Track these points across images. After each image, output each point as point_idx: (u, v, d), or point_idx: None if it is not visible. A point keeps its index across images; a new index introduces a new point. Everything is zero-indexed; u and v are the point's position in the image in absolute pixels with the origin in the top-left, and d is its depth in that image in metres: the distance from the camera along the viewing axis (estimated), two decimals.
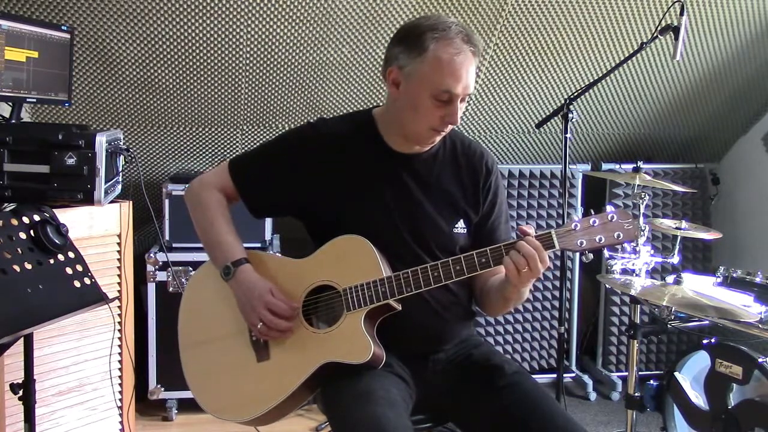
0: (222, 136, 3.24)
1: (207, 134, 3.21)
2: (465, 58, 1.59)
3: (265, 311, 1.65)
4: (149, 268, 3.03)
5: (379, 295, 1.62)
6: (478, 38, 1.62)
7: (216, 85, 3.00)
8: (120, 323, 2.47)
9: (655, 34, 2.57)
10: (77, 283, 1.83)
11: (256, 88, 3.05)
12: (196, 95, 3.02)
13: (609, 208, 1.57)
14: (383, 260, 1.65)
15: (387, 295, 1.62)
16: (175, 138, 3.20)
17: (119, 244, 2.49)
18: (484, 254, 1.58)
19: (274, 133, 3.25)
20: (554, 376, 3.03)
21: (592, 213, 1.58)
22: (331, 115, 1.93)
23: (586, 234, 1.56)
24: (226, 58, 2.90)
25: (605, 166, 3.58)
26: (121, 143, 2.51)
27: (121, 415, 2.51)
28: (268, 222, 3.17)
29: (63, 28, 2.44)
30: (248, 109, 3.13)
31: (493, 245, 1.62)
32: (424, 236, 1.72)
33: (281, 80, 3.03)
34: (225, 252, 1.74)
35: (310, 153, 1.74)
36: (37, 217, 1.83)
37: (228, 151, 3.31)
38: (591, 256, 1.60)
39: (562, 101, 2.63)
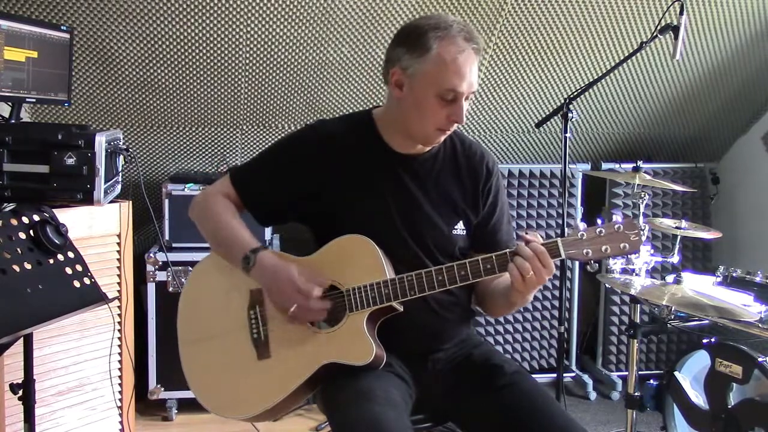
0: (222, 136, 3.24)
1: (207, 134, 3.21)
2: (468, 56, 1.60)
3: (297, 294, 1.61)
4: (149, 268, 3.03)
5: (382, 297, 1.61)
6: (479, 36, 1.63)
7: (216, 85, 3.00)
8: (120, 323, 2.48)
9: (654, 34, 2.56)
10: (77, 283, 1.83)
11: (257, 87, 3.04)
12: (196, 95, 3.02)
13: (616, 217, 1.54)
14: (387, 261, 1.65)
15: (390, 297, 1.61)
16: (175, 138, 3.20)
17: (119, 244, 2.49)
18: (489, 260, 1.58)
19: (274, 132, 3.25)
20: (554, 375, 3.02)
21: (599, 222, 1.55)
22: (332, 115, 1.93)
23: (592, 243, 1.53)
24: (227, 58, 2.90)
25: (605, 166, 3.58)
26: (121, 143, 2.51)
27: (121, 415, 2.51)
28: None
29: (63, 28, 2.44)
30: (248, 109, 3.13)
31: (496, 248, 1.62)
32: (423, 237, 1.72)
33: (281, 80, 3.03)
34: (242, 245, 1.70)
35: (310, 155, 1.73)
36: (36, 217, 1.83)
37: (228, 151, 3.31)
38: (596, 265, 1.58)
39: (562, 101, 2.62)
